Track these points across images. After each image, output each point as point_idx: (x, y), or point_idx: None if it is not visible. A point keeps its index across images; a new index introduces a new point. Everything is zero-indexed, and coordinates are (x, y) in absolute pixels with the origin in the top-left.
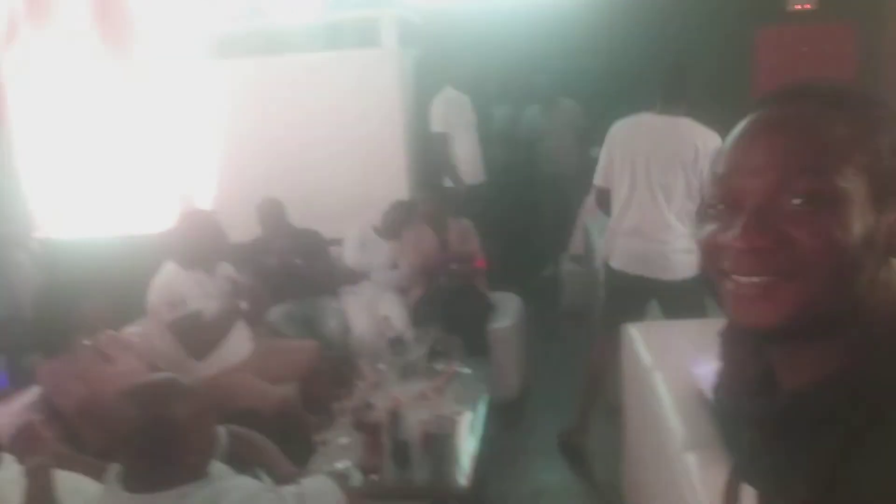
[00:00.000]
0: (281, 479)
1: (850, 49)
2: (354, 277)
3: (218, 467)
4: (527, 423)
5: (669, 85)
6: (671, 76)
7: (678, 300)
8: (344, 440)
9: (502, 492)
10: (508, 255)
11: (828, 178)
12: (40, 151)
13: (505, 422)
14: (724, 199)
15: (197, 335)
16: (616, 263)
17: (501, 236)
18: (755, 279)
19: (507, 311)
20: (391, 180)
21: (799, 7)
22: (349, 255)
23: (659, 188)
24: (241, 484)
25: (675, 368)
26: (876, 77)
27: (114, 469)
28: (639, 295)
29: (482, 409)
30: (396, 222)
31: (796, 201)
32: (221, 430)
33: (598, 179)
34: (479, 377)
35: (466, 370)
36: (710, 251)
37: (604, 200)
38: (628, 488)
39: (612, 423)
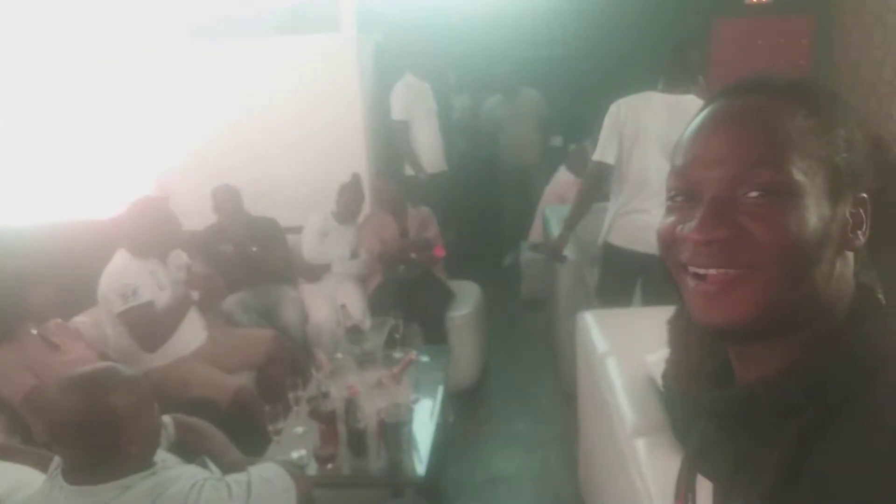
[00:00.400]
0: (228, 466)
1: (805, 41)
2: (314, 272)
3: (163, 457)
4: (484, 411)
5: (674, 63)
6: (676, 54)
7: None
8: (300, 429)
9: (459, 479)
10: (469, 243)
11: (785, 171)
12: None
13: (463, 409)
14: (682, 191)
15: (149, 326)
16: (620, 240)
17: (462, 225)
18: (713, 271)
19: (465, 299)
20: (350, 167)
21: (755, 0)
22: (308, 247)
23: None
24: (187, 473)
25: (627, 355)
26: (830, 69)
27: (56, 461)
28: (636, 273)
29: (440, 396)
30: (351, 203)
31: (753, 194)
32: (167, 419)
33: (602, 156)
34: (437, 365)
35: (424, 358)
36: (669, 243)
37: (602, 177)
38: (582, 474)
39: (567, 410)
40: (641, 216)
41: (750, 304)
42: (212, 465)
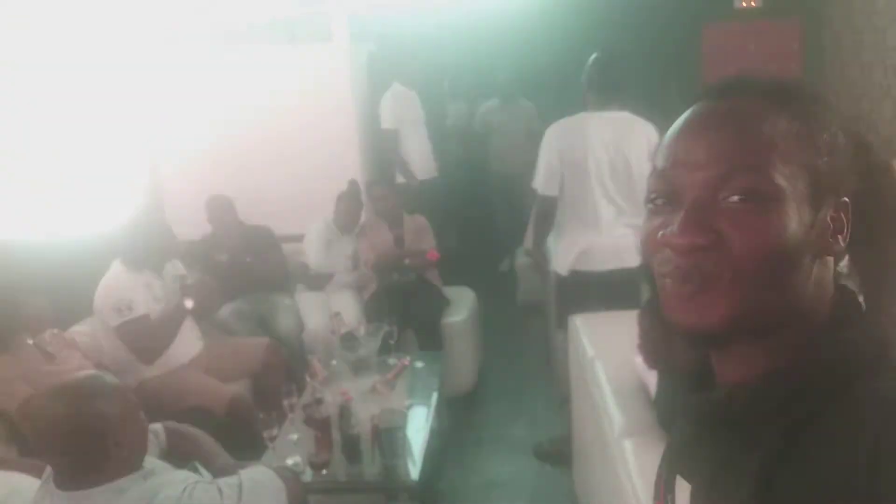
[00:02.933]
0: (219, 470)
1: (795, 45)
2: (318, 282)
3: (154, 463)
4: (481, 416)
5: (603, 80)
6: (603, 70)
7: (628, 289)
8: (294, 436)
9: (455, 484)
10: (464, 248)
11: (766, 176)
12: None
13: (459, 414)
14: (662, 193)
15: (145, 339)
16: (593, 264)
17: (456, 231)
18: (693, 275)
19: (461, 305)
20: (344, 175)
21: (745, 5)
22: (314, 254)
23: (619, 184)
24: (178, 477)
25: (616, 358)
26: (821, 72)
27: (49, 470)
28: (603, 291)
29: (434, 402)
30: (350, 211)
31: (735, 198)
32: (157, 427)
33: (545, 188)
34: (432, 371)
35: (419, 364)
36: (650, 246)
37: (552, 210)
38: (577, 475)
39: (562, 414)
40: (607, 238)
41: (725, 307)
42: (202, 470)
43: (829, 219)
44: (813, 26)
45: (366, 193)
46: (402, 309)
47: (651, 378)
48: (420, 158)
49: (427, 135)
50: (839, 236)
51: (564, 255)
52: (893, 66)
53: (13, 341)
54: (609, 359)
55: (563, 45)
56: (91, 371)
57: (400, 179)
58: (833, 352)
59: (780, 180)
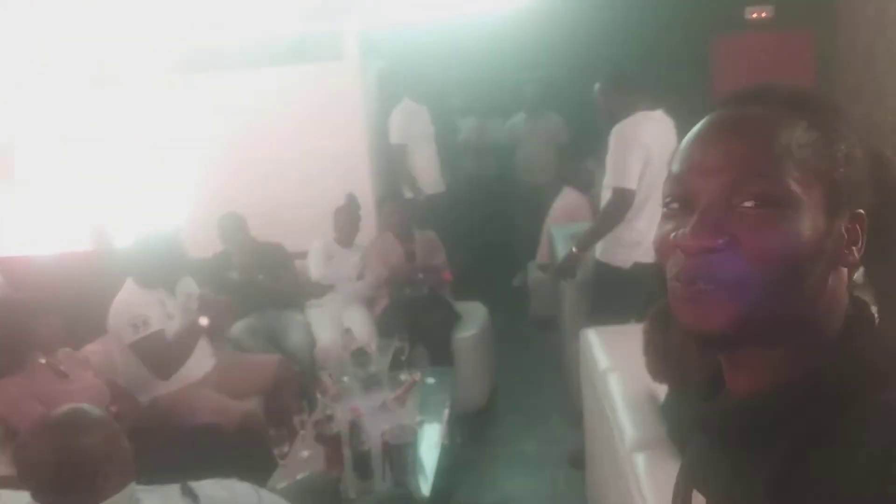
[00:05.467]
0: None
1: (807, 56)
2: (320, 290)
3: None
4: (493, 432)
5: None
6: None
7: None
8: (305, 453)
9: (468, 500)
10: (476, 263)
11: (781, 183)
12: None
13: (471, 430)
14: (677, 198)
15: (162, 355)
16: (646, 257)
17: (468, 245)
18: (702, 280)
19: (472, 321)
20: (356, 192)
21: (756, 15)
22: (314, 268)
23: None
24: (171, 490)
25: (628, 371)
26: (832, 83)
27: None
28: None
29: (445, 418)
30: (347, 224)
31: (748, 203)
32: None
33: (633, 182)
34: (443, 387)
35: (430, 380)
36: (664, 250)
37: (631, 205)
38: (589, 490)
39: (576, 430)
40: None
41: (733, 309)
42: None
43: (843, 229)
44: (825, 37)
45: (376, 210)
46: (414, 324)
47: (663, 391)
48: (428, 173)
49: (436, 150)
50: (854, 248)
51: (630, 248)
52: None
53: (26, 360)
54: (621, 372)
55: (573, 60)
56: (72, 405)
57: (408, 194)
58: (844, 363)
59: (795, 188)
